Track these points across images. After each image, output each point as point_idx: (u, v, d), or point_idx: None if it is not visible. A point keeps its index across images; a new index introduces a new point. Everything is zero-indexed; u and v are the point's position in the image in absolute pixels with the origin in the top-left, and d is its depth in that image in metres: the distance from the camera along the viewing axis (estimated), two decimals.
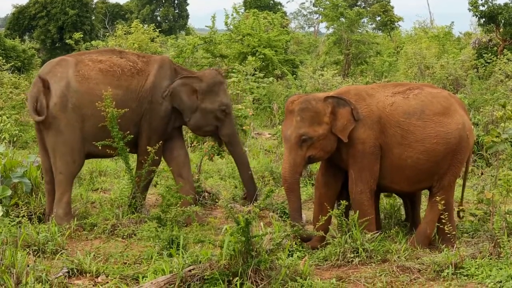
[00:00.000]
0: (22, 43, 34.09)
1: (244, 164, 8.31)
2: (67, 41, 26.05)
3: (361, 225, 6.62)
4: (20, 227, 6.40)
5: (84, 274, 5.93)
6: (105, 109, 7.30)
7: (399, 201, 8.02)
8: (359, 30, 26.49)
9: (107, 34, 31.59)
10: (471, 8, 23.17)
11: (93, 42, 25.84)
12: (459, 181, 7.41)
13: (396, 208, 7.93)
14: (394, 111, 6.84)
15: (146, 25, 26.15)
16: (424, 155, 6.81)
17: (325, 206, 6.87)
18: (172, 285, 5.46)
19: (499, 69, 19.64)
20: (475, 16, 23.72)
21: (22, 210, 6.87)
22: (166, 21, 54.56)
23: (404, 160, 6.83)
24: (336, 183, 7.12)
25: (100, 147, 7.45)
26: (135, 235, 7.15)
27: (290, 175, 6.86)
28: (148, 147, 7.56)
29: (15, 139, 12.57)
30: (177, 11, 55.91)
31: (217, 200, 8.93)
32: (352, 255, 6.41)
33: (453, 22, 30.07)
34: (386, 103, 6.88)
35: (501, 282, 5.65)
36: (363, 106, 6.88)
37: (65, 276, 5.78)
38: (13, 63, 23.41)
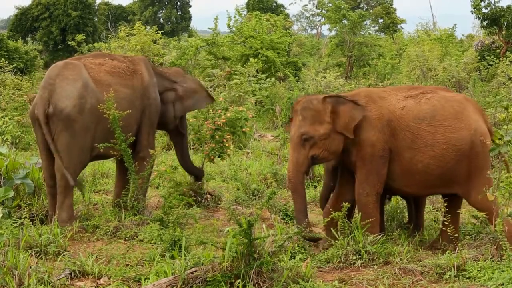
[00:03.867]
0: (25, 44, 34.16)
1: (187, 154, 9.10)
2: (69, 42, 26.06)
3: (364, 227, 6.62)
4: (22, 228, 6.40)
5: (86, 276, 5.92)
6: (107, 111, 7.36)
7: (402, 203, 8.01)
8: (362, 32, 26.47)
9: (110, 36, 31.63)
10: (474, 10, 23.15)
11: (95, 44, 25.87)
12: None
13: (398, 211, 7.91)
14: (405, 115, 6.82)
15: (148, 27, 26.21)
16: (434, 160, 6.76)
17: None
18: (174, 287, 5.46)
19: (502, 72, 19.63)
20: (477, 18, 23.70)
21: (24, 212, 6.85)
22: (169, 23, 54.56)
23: (414, 165, 6.80)
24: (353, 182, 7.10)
25: (108, 148, 7.54)
26: (137, 237, 7.15)
27: (294, 174, 6.91)
28: (150, 150, 7.94)
29: (17, 140, 12.57)
30: (179, 13, 55.92)
31: (219, 202, 8.93)
32: (354, 257, 6.41)
33: (455, 24, 30.08)
34: (397, 107, 6.87)
35: (503, 284, 5.64)
36: (373, 108, 6.88)
37: (67, 278, 5.78)
38: (15, 65, 23.43)
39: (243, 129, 9.27)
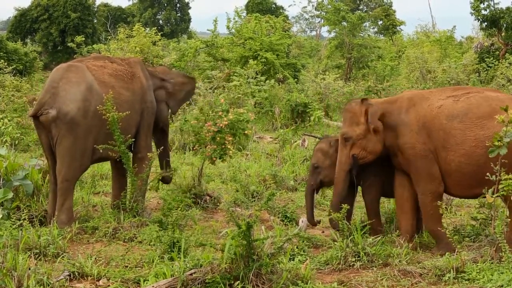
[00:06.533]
0: (24, 46, 34.14)
1: (168, 151, 9.04)
2: (69, 44, 26.03)
3: (427, 226, 7.00)
4: (21, 230, 6.39)
5: (85, 278, 5.92)
6: (106, 113, 7.38)
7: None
8: (361, 34, 26.49)
9: (109, 37, 31.63)
10: (473, 12, 23.17)
11: (94, 46, 25.86)
12: None
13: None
14: (440, 114, 6.88)
15: (148, 29, 26.20)
16: (464, 158, 6.73)
17: (405, 206, 7.17)
18: None
19: (501, 74, 19.65)
20: (477, 20, 23.74)
21: (23, 213, 6.84)
22: (168, 24, 54.59)
23: (448, 164, 6.83)
24: (410, 183, 7.15)
25: (109, 150, 7.58)
26: (136, 238, 7.15)
27: (338, 172, 7.31)
28: (148, 152, 8.04)
29: (16, 142, 12.58)
30: (179, 14, 55.96)
31: (218, 204, 8.93)
32: (354, 259, 6.41)
33: (455, 26, 30.15)
34: (434, 106, 6.94)
35: (502, 286, 5.64)
36: (412, 111, 7.01)
37: (66, 279, 5.78)
38: (15, 66, 23.47)
39: (245, 132, 9.25)
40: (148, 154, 7.99)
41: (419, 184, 6.97)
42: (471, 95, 6.93)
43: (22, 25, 40.16)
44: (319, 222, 7.80)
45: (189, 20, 56.50)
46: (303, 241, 6.81)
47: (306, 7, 62.81)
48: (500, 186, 6.32)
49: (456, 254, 6.16)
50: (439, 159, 6.88)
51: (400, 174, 7.22)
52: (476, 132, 6.72)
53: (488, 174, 6.37)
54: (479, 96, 6.91)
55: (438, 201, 6.81)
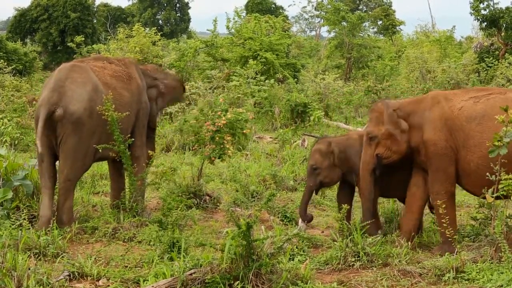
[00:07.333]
0: (24, 46, 34.15)
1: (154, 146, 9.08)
2: (68, 44, 26.04)
3: (439, 225, 6.90)
4: (21, 230, 6.40)
5: (85, 278, 5.92)
6: (105, 113, 7.38)
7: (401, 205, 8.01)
8: (361, 34, 26.51)
9: (109, 37, 31.63)
10: (472, 12, 23.16)
11: (94, 46, 25.86)
12: None
13: (397, 213, 7.91)
14: (460, 115, 6.91)
15: (147, 29, 26.19)
16: (482, 160, 6.75)
17: (414, 206, 7.18)
18: None
19: (501, 73, 19.65)
20: (476, 20, 23.73)
21: (23, 213, 6.84)
22: (168, 24, 54.63)
23: (467, 164, 6.87)
24: (425, 184, 7.17)
25: (109, 150, 7.61)
26: (136, 238, 7.15)
27: (362, 172, 7.32)
28: (143, 151, 8.15)
29: (16, 142, 12.58)
30: (178, 14, 56.00)
31: (218, 204, 8.93)
32: (353, 259, 6.41)
33: (454, 26, 30.18)
34: (456, 107, 6.98)
35: (502, 286, 5.64)
36: (436, 109, 7.04)
37: (66, 279, 5.78)
38: (14, 66, 23.47)
39: (244, 131, 9.24)
40: (149, 152, 8.04)
41: (435, 184, 6.98)
42: (491, 97, 6.95)
43: (22, 25, 40.15)
44: (311, 217, 7.77)
45: (189, 20, 56.56)
46: (303, 241, 6.81)
47: (305, 7, 62.78)
48: (500, 186, 6.34)
49: (456, 254, 6.17)
50: (459, 157, 6.91)
51: (417, 174, 7.24)
52: (492, 135, 6.69)
53: (488, 174, 6.39)
54: (499, 98, 6.92)
55: (450, 201, 6.92)
